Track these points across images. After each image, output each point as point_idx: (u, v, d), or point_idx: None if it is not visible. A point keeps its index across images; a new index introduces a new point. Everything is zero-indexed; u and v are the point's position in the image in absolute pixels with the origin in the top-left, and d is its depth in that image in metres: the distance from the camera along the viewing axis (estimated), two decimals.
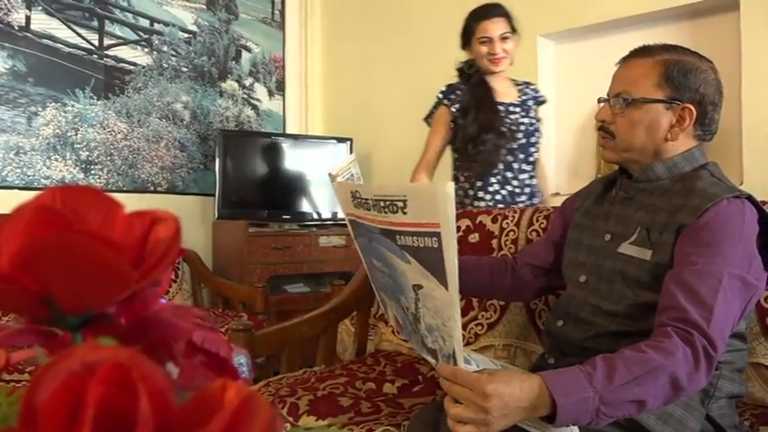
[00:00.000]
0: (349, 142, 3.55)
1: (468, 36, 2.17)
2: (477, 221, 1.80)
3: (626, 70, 1.18)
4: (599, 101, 1.23)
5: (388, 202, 0.89)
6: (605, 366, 0.89)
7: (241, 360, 0.48)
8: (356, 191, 1.00)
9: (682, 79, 1.11)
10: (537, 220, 1.69)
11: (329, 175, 1.21)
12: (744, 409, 1.25)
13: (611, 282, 1.15)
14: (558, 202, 1.64)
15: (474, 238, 1.79)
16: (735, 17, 2.43)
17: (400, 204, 0.87)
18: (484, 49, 2.13)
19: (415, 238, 0.86)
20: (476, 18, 2.14)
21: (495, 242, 1.76)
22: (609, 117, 1.18)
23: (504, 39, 2.12)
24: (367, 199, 0.96)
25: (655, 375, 0.89)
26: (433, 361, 0.98)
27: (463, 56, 2.31)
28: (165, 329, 0.28)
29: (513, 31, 2.15)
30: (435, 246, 0.83)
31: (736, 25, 2.41)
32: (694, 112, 1.11)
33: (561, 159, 3.04)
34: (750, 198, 1.08)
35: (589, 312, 1.17)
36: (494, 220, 1.78)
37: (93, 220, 0.25)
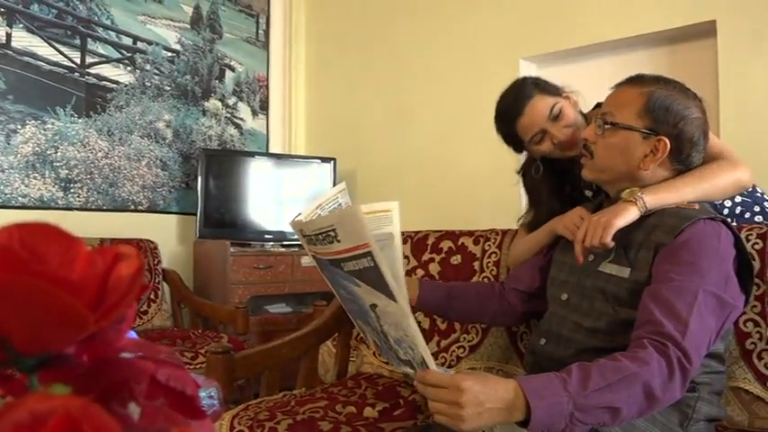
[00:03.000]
0: (332, 162, 3.55)
1: (516, 145, 1.53)
2: (460, 243, 1.81)
3: (616, 95, 1.22)
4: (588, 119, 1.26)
5: (323, 235, 0.93)
6: (580, 373, 0.90)
7: (212, 392, 0.47)
8: (301, 229, 1.01)
9: (662, 113, 1.14)
10: None
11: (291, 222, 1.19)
12: None
13: (593, 299, 1.17)
14: None
15: (456, 259, 1.79)
16: (712, 43, 2.47)
17: (333, 234, 0.91)
18: (545, 146, 1.46)
19: (354, 262, 0.90)
20: (506, 124, 1.50)
21: (476, 264, 1.76)
22: (592, 137, 1.22)
23: (556, 117, 1.43)
24: (310, 235, 0.98)
25: (628, 383, 0.90)
26: (411, 371, 0.99)
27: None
28: (126, 369, 0.27)
29: (556, 92, 1.49)
30: (371, 265, 0.87)
31: (713, 51, 2.46)
32: (668, 147, 1.14)
33: None
34: (725, 222, 1.11)
35: (570, 329, 1.20)
36: (476, 242, 1.78)
37: (52, 258, 0.24)
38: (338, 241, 0.90)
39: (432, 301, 1.43)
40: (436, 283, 1.51)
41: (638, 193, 1.14)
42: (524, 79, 1.53)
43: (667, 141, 1.14)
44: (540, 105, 1.44)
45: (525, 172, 1.63)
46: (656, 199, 1.15)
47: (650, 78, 1.20)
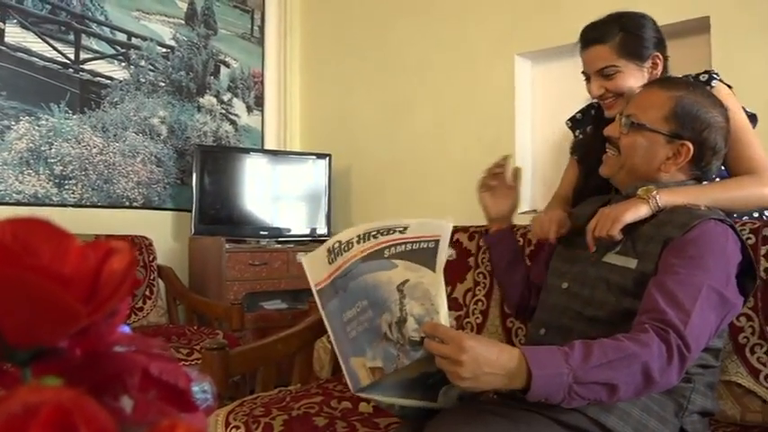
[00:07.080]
0: (327, 158, 3.55)
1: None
2: (455, 239, 1.81)
3: (643, 96, 1.24)
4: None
5: (384, 231, 1.07)
6: (582, 348, 0.93)
7: (205, 387, 0.47)
8: (336, 242, 1.12)
9: (688, 119, 1.16)
10: None
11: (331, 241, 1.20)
12: (716, 426, 1.27)
13: (594, 288, 1.18)
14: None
15: (451, 255, 1.79)
16: (705, 39, 2.48)
17: (400, 229, 1.06)
18: (588, 86, 1.48)
19: (411, 244, 1.05)
20: (580, 46, 1.50)
21: (471, 260, 1.76)
22: (616, 133, 1.24)
23: (605, 75, 1.41)
24: (350, 240, 1.09)
25: (628, 362, 0.92)
26: (416, 355, 1.00)
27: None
28: (119, 362, 0.27)
29: (630, 55, 1.40)
30: (432, 246, 1.03)
31: (706, 47, 2.46)
32: (691, 152, 1.17)
33: (538, 177, 3.07)
34: (732, 227, 1.13)
35: (570, 318, 1.21)
36: (470, 238, 1.79)
37: (44, 253, 0.24)
38: (401, 233, 1.06)
39: (509, 243, 1.55)
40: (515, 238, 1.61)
41: (654, 193, 1.16)
42: (620, 17, 1.45)
43: (690, 147, 1.16)
44: (600, 54, 1.42)
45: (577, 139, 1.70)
46: (670, 202, 1.17)
47: (680, 82, 1.22)
